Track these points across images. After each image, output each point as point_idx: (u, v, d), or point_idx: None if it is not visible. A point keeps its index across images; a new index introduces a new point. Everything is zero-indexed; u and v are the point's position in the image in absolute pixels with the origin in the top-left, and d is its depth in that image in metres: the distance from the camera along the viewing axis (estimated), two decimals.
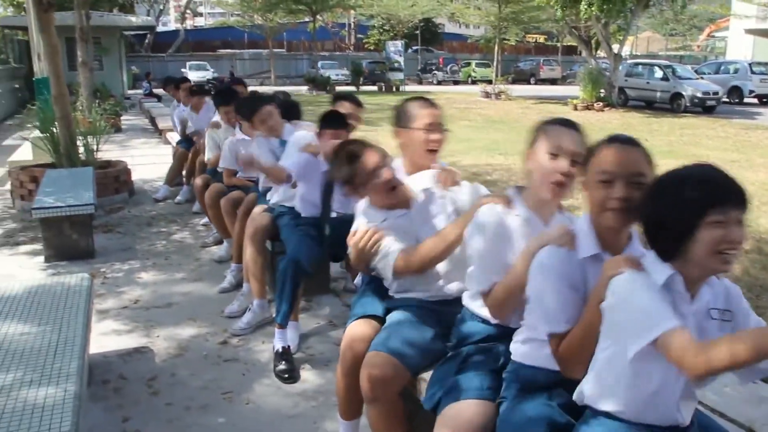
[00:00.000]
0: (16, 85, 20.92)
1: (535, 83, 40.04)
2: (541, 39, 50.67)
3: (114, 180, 7.50)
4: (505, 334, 2.05)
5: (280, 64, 43.28)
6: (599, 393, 1.62)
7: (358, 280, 4.07)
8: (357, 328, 2.50)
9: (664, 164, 1.70)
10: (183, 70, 36.18)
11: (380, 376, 2.22)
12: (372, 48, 48.17)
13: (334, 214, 3.60)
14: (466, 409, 1.89)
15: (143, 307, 4.38)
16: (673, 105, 21.40)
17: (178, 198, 7.47)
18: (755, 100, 24.07)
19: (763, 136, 14.63)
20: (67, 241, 5.35)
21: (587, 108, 20.55)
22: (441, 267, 2.40)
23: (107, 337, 3.93)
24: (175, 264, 5.29)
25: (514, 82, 38.14)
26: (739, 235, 1.45)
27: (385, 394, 2.25)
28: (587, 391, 1.65)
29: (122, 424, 2.98)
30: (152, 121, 15.12)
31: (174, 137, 10.60)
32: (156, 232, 6.27)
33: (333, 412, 2.85)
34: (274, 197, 4.20)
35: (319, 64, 39.11)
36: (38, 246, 5.61)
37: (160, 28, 50.28)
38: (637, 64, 24.83)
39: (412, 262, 2.31)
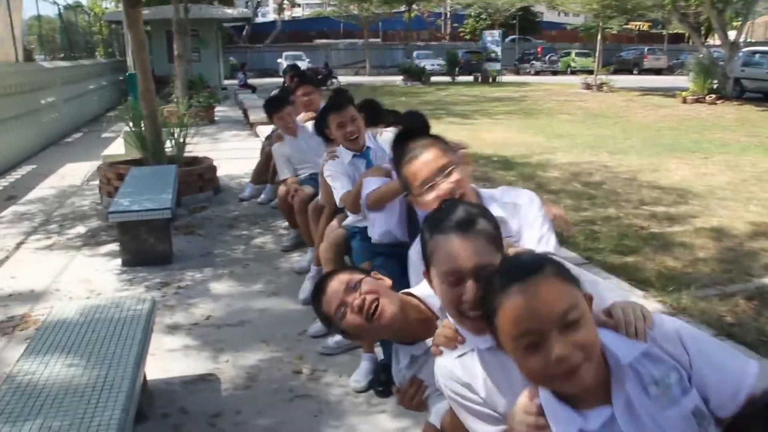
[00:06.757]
0: (120, 78, 21.59)
1: (639, 73, 38.03)
2: (645, 26, 48.06)
3: (198, 178, 7.30)
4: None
5: (375, 54, 43.22)
6: None
7: None
8: None
9: None
10: (279, 60, 36.60)
11: None
12: (468, 38, 47.21)
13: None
14: None
15: (214, 325, 4.06)
16: None
17: (262, 197, 7.20)
18: None
19: None
20: (144, 245, 5.13)
21: (698, 101, 19.06)
22: None
23: (174, 358, 3.63)
24: (252, 273, 4.97)
25: (616, 72, 36.25)
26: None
27: None
28: None
29: None
30: (245, 113, 15.13)
31: (263, 131, 10.35)
32: (237, 236, 5.98)
33: None
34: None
35: (414, 54, 38.65)
36: (118, 248, 5.44)
37: (258, 20, 51.33)
38: (754, 52, 22.92)
39: None
